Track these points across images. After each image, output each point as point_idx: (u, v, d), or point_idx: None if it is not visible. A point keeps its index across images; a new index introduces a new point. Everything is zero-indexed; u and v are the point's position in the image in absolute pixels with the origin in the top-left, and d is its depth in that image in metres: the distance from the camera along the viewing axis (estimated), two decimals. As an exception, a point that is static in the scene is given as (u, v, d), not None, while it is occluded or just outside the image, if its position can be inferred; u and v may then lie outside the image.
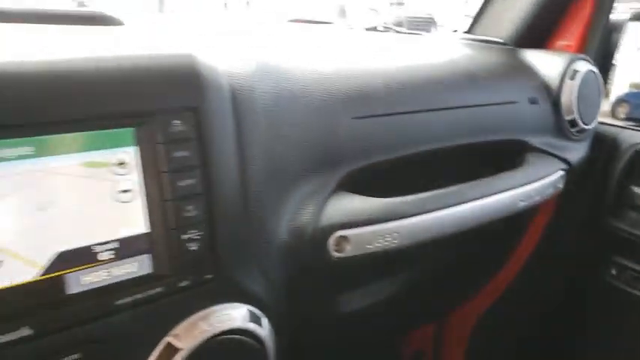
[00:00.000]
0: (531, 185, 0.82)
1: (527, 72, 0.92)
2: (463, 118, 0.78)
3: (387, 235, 0.68)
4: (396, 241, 0.69)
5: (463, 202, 0.72)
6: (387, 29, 1.06)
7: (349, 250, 0.66)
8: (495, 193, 0.76)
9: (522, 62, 0.95)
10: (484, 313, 1.15)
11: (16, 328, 0.41)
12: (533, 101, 0.89)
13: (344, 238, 0.65)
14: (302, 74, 0.63)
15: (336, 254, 0.65)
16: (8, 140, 0.40)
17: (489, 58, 0.92)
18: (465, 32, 1.08)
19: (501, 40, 1.01)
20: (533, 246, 1.06)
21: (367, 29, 1.08)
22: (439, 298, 1.06)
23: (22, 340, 0.41)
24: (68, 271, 0.44)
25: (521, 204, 0.81)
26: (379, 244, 0.68)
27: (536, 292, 1.14)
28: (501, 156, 0.86)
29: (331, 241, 0.64)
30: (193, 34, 0.74)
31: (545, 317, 1.18)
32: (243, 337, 0.51)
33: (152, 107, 0.46)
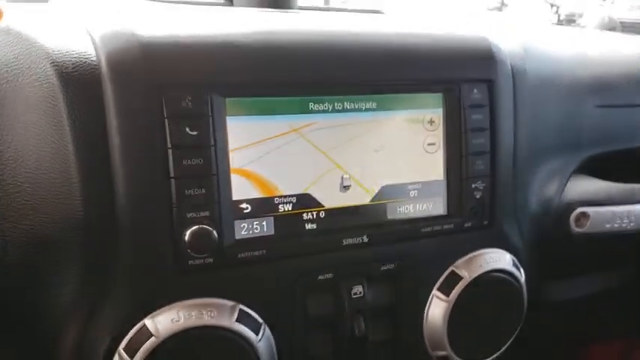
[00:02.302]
0: None
1: None
2: None
3: (625, 217, 0.73)
4: (632, 224, 0.73)
5: None
6: (611, 29, 1.11)
7: (588, 227, 0.72)
8: None
9: None
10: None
11: (361, 235, 0.54)
12: None
13: (584, 214, 0.72)
14: (555, 61, 0.72)
15: (576, 229, 0.72)
16: (362, 96, 0.55)
17: None
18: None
19: None
20: None
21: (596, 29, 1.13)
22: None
23: (362, 244, 0.55)
24: (389, 201, 0.57)
25: None
26: (617, 225, 0.73)
27: None
28: None
29: (573, 216, 0.71)
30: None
31: None
32: (509, 277, 0.60)
33: (459, 77, 0.57)
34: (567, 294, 0.89)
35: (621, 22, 1.15)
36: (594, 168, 0.76)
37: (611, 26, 1.14)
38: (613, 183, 0.74)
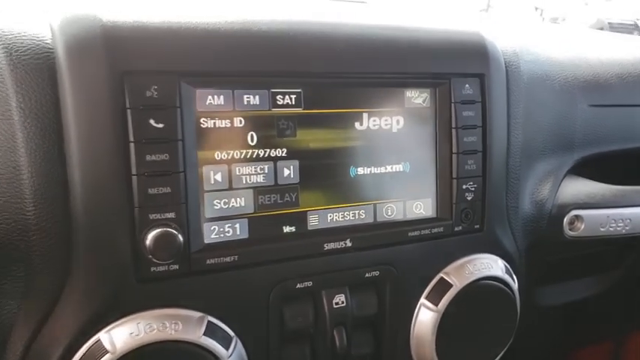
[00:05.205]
0: None
1: None
2: None
3: (620, 221, 0.70)
4: (627, 228, 0.70)
5: None
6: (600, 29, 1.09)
7: (582, 230, 0.68)
8: None
9: None
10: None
11: (344, 240, 0.50)
12: None
13: (578, 217, 0.68)
14: (548, 60, 0.68)
15: (570, 232, 0.68)
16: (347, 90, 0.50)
17: None
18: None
19: None
20: None
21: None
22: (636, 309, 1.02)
23: (344, 249, 0.50)
24: (377, 201, 0.52)
25: None
26: (612, 228, 0.69)
27: None
28: None
29: (566, 219, 0.68)
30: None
31: None
32: (501, 285, 0.57)
33: (450, 71, 0.53)
34: (559, 298, 0.86)
35: (609, 23, 1.12)
36: (589, 170, 0.73)
37: (599, 27, 1.11)
38: (607, 185, 0.70)
